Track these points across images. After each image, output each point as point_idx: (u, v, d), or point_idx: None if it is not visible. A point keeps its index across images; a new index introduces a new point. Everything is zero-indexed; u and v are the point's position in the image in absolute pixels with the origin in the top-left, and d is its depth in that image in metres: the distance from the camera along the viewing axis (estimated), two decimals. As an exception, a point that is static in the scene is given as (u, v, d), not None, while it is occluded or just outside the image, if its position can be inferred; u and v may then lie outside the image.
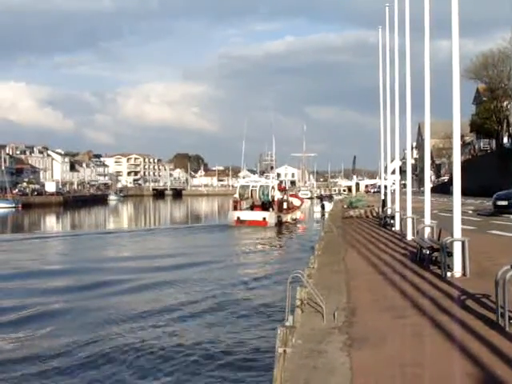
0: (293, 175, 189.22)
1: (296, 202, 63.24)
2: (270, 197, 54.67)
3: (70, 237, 49.18)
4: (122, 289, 21.39)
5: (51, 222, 77.34)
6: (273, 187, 55.79)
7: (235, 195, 56.06)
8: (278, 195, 55.93)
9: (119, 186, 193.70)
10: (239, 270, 26.84)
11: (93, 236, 48.38)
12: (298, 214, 59.35)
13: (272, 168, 68.27)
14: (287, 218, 55.21)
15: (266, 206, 54.58)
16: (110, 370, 12.06)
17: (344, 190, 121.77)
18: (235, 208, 54.46)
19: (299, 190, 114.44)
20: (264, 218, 51.31)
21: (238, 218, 51.82)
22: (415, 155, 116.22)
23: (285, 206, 56.29)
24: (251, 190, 55.18)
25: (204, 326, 15.55)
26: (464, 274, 11.74)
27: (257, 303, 18.12)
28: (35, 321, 16.34)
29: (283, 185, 65.86)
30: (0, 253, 34.59)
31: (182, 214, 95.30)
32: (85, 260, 31.10)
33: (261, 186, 55.33)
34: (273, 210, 53.84)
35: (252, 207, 55.27)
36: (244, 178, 65.10)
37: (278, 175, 68.55)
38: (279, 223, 52.31)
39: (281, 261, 30.32)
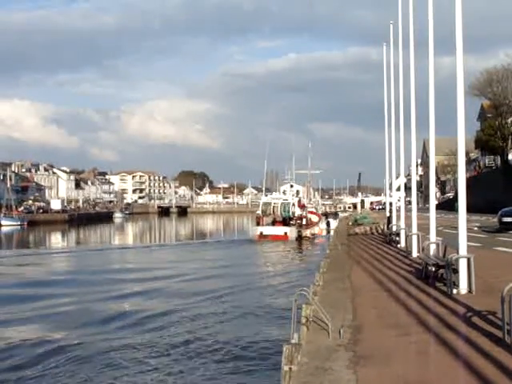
0: (298, 192, 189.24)
1: (314, 218, 67.03)
2: (290, 213, 58.46)
3: (120, 249, 55.66)
4: (191, 278, 30.84)
5: (61, 240, 77.42)
6: (293, 204, 59.87)
7: (258, 211, 60.37)
8: (297, 211, 59.97)
9: (129, 201, 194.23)
10: (271, 267, 36.49)
11: (134, 250, 56.36)
12: (316, 229, 62.80)
13: (292, 186, 71.22)
14: (306, 232, 58.62)
15: (286, 221, 57.77)
16: (195, 313, 20.56)
17: (349, 207, 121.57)
18: (258, 223, 58.11)
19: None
20: (285, 233, 54.79)
21: (261, 232, 55.23)
22: (420, 172, 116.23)
23: (304, 221, 60.27)
24: (273, 207, 59.30)
25: (248, 296, 24.60)
26: (470, 291, 11.71)
27: (285, 286, 26.40)
28: (143, 294, 25.50)
29: (302, 202, 70.08)
30: (61, 262, 43.72)
31: (195, 231, 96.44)
32: (154, 262, 41.43)
33: (282, 203, 59.35)
34: (294, 225, 57.31)
35: (273, 222, 58.09)
36: (267, 195, 69.28)
37: (298, 192, 71.15)
38: (299, 238, 55.69)
39: (302, 263, 38.42)
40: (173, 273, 32.80)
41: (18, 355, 15.16)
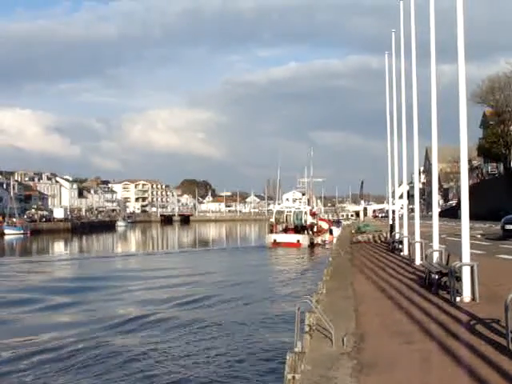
0: (294, 201, 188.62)
1: (324, 225, 69.01)
2: (303, 221, 61.46)
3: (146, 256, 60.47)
4: (226, 274, 37.86)
5: (66, 248, 77.84)
6: (305, 212, 62.69)
7: (271, 219, 64.02)
8: (309, 219, 62.79)
9: (129, 211, 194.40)
10: (290, 267, 41.65)
11: (157, 255, 60.73)
12: (326, 236, 64.12)
13: (304, 194, 74.18)
14: (318, 240, 61.03)
15: (298, 229, 60.61)
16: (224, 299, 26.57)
17: (352, 215, 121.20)
18: (271, 231, 61.11)
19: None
20: (298, 240, 57.59)
21: (275, 240, 57.91)
22: (423, 179, 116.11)
23: (315, 229, 63.10)
24: (286, 215, 62.32)
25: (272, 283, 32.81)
26: (473, 299, 11.68)
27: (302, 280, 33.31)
28: (188, 284, 32.31)
29: (313, 210, 72.53)
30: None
31: (207, 239, 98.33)
32: (185, 264, 46.81)
33: (294, 212, 62.40)
34: (307, 233, 60.15)
35: (285, 230, 60.84)
36: (279, 204, 72.30)
37: (309, 201, 73.29)
38: (311, 245, 58.35)
39: (315, 263, 43.00)
40: (208, 271, 39.84)
41: (121, 318, 22.18)
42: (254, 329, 20.06)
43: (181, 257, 56.99)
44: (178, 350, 17.34)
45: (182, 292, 29.05)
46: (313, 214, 66.90)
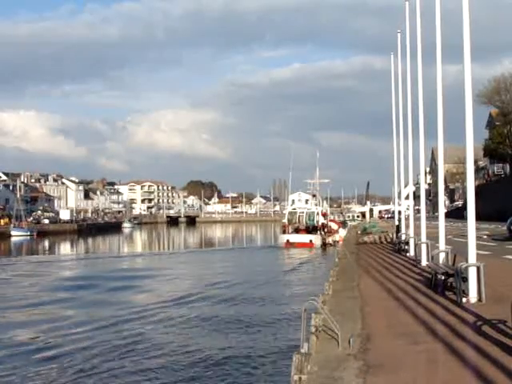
0: (306, 202, 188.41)
1: (334, 226, 70.71)
2: (315, 221, 63.32)
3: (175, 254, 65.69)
4: (254, 265, 45.09)
5: (73, 249, 78.38)
6: (317, 213, 64.59)
7: (284, 220, 66.57)
8: (321, 220, 64.81)
9: (135, 212, 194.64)
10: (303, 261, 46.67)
11: (200, 252, 67.84)
12: (336, 237, 65.48)
13: (314, 196, 75.05)
14: (329, 240, 62.65)
15: (309, 229, 62.62)
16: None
17: (358, 216, 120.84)
18: (284, 231, 63.62)
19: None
20: (310, 241, 59.74)
21: (288, 240, 60.01)
22: (429, 180, 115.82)
23: (326, 229, 64.99)
24: (298, 216, 64.15)
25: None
26: (479, 300, 11.66)
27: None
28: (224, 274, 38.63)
29: (324, 211, 74.06)
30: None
31: (216, 240, 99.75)
32: (221, 260, 52.28)
33: (307, 212, 64.30)
34: (320, 233, 62.15)
35: (297, 230, 62.89)
36: (292, 205, 74.11)
37: (323, 202, 74.46)
38: (323, 245, 60.37)
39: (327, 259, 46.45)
40: (232, 265, 46.54)
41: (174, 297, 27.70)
42: (284, 302, 26.08)
43: (202, 255, 62.13)
44: (230, 312, 23.31)
45: (216, 279, 34.18)
46: (324, 215, 68.45)
